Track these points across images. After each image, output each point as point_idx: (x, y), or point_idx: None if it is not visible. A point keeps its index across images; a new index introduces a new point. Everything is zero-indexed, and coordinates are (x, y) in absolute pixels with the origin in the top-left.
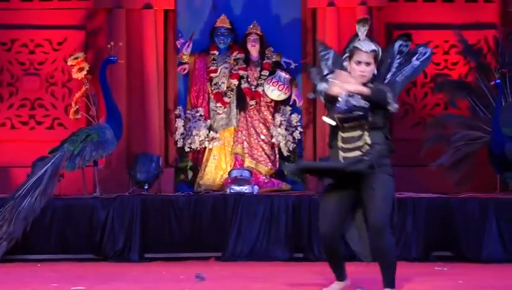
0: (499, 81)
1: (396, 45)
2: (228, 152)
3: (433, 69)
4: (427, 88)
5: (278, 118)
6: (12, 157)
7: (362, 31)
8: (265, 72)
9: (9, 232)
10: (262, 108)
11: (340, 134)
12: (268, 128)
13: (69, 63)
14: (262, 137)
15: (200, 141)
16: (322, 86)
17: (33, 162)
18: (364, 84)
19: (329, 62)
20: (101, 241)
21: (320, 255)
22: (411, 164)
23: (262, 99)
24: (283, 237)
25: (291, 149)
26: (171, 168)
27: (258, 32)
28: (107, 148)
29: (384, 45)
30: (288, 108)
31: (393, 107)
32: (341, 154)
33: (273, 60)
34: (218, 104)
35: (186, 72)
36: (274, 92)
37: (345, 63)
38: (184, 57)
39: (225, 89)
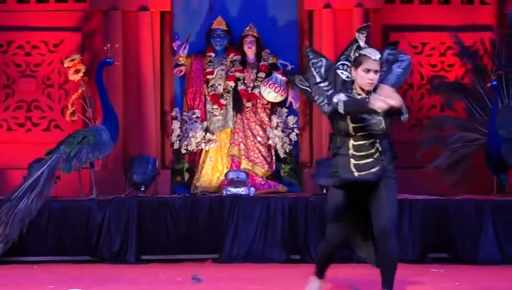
0: (495, 83)
1: (385, 53)
2: (225, 154)
3: (430, 70)
4: (424, 90)
5: (275, 119)
6: (8, 159)
7: (362, 37)
8: (262, 74)
9: (6, 234)
10: (259, 110)
11: (352, 142)
12: (264, 130)
13: (66, 65)
14: (259, 139)
15: (196, 143)
16: (340, 97)
17: (29, 164)
18: (368, 93)
19: (322, 70)
20: (97, 243)
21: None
22: (407, 165)
23: (258, 101)
24: (279, 239)
25: (287, 151)
26: (168, 170)
27: (255, 34)
28: (103, 150)
29: (381, 47)
30: (285, 110)
31: (405, 117)
32: (352, 161)
33: (270, 62)
34: (215, 106)
35: (182, 74)
36: (270, 94)
37: (339, 71)
38: (180, 58)
39: (222, 91)
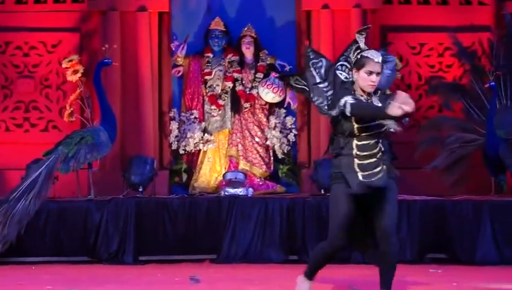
0: (493, 83)
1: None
2: (223, 154)
3: (428, 71)
4: (422, 90)
5: (273, 120)
6: (6, 160)
7: (361, 38)
8: (260, 75)
9: (4, 235)
10: (257, 110)
11: (355, 142)
12: (262, 131)
13: (64, 66)
14: (257, 139)
15: (194, 144)
16: (347, 99)
17: (27, 165)
18: (369, 94)
19: (322, 70)
20: (95, 244)
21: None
22: (405, 166)
23: (256, 101)
24: (277, 239)
25: (285, 151)
26: (166, 170)
27: (253, 34)
28: (101, 151)
29: (379, 48)
30: (283, 110)
31: (405, 120)
32: (356, 161)
33: (268, 62)
34: (213, 107)
35: (180, 74)
36: (268, 94)
37: (338, 71)
38: (178, 59)
39: (220, 91)
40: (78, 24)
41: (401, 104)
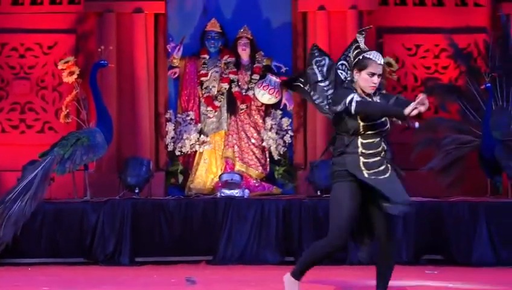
0: (489, 85)
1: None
2: (219, 156)
3: (424, 72)
4: (418, 92)
5: (269, 121)
6: (2, 161)
7: (361, 38)
8: (256, 76)
9: (0, 236)
10: (253, 112)
11: (361, 140)
12: (259, 132)
13: (60, 67)
14: (253, 141)
15: (190, 145)
16: (353, 97)
17: (23, 166)
18: (369, 95)
19: (324, 69)
20: (91, 245)
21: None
22: (401, 167)
23: (252, 103)
24: (274, 241)
25: (281, 153)
26: (162, 172)
27: (249, 36)
28: (97, 152)
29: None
30: (279, 112)
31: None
32: (362, 159)
33: (264, 63)
34: (209, 108)
35: (176, 76)
36: (264, 95)
37: (339, 71)
38: (174, 60)
39: (216, 92)
40: (74, 25)
41: (418, 105)
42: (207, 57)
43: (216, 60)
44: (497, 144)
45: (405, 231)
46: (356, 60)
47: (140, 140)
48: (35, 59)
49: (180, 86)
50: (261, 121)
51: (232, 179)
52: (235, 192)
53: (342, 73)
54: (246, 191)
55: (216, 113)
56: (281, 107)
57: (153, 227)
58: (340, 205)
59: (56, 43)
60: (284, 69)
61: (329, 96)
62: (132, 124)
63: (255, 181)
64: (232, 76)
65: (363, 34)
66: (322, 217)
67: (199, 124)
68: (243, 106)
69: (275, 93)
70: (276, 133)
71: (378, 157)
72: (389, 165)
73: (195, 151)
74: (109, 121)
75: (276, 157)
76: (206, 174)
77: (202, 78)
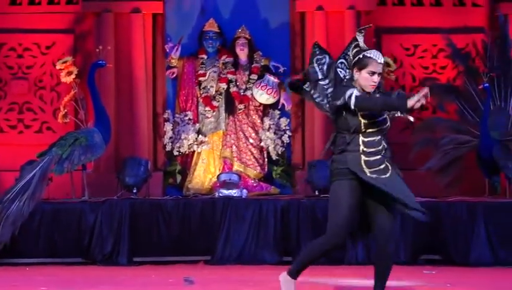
0: (487, 85)
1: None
2: (217, 156)
3: (422, 72)
4: (416, 92)
5: (267, 121)
6: (0, 161)
7: (361, 37)
8: (254, 76)
9: None
10: (251, 112)
11: (362, 138)
12: (257, 132)
13: (58, 67)
14: (251, 141)
15: (188, 145)
16: (353, 92)
17: (21, 166)
18: (369, 94)
19: (325, 67)
20: (89, 245)
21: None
22: (399, 167)
23: (251, 103)
24: (272, 241)
25: (279, 153)
26: (160, 172)
27: (247, 36)
28: (95, 152)
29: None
30: (277, 112)
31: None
32: (363, 158)
33: (262, 64)
34: (207, 108)
35: (174, 76)
36: (263, 95)
37: (339, 69)
38: (173, 60)
39: (214, 92)
40: (72, 25)
41: (421, 98)
42: (205, 57)
43: (214, 60)
44: (495, 144)
45: (403, 231)
46: (356, 58)
47: (138, 140)
48: (33, 59)
49: (178, 86)
50: (259, 121)
51: (230, 179)
52: (233, 192)
53: (341, 71)
54: (244, 191)
55: (214, 113)
56: (279, 107)
57: (151, 227)
58: (340, 203)
59: (54, 43)
60: (282, 69)
61: (329, 95)
62: (130, 124)
63: (253, 181)
64: (230, 76)
65: (362, 33)
66: (320, 217)
67: (197, 124)
68: (241, 106)
69: (273, 93)
70: (274, 133)
71: (379, 156)
72: (388, 164)
73: (193, 151)
74: (107, 121)
75: (274, 157)
76: (204, 174)
77: (200, 78)
